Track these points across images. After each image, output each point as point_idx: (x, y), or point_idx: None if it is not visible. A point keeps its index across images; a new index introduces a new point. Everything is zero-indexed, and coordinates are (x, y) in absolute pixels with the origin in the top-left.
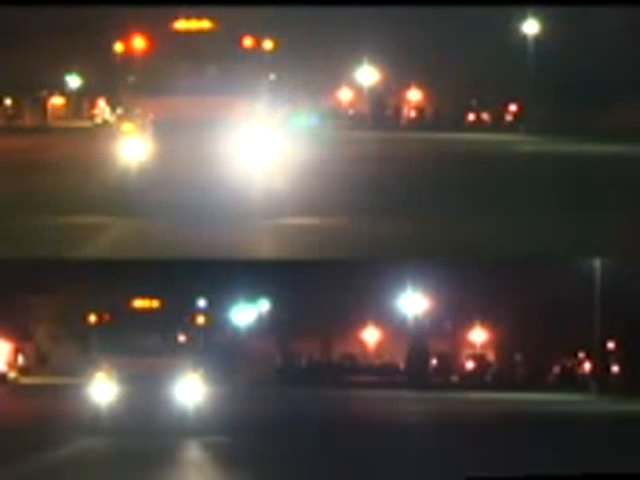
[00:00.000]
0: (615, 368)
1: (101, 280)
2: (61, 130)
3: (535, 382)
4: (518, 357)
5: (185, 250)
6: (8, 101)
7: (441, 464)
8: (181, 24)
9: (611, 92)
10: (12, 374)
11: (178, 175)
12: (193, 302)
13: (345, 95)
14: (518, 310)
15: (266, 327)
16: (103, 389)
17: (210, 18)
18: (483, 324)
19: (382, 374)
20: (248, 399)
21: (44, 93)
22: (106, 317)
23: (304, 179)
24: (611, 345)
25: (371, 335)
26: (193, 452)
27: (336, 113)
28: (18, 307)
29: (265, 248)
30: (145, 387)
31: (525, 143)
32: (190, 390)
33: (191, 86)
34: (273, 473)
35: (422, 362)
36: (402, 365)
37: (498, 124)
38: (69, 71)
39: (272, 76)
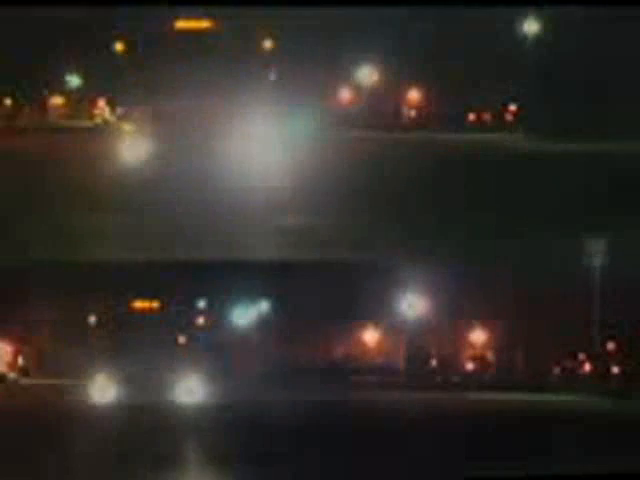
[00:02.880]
0: (615, 369)
1: (102, 281)
2: (61, 130)
3: (535, 382)
4: (518, 358)
5: (185, 251)
6: (8, 101)
7: (440, 464)
8: (181, 24)
9: (611, 92)
10: (12, 375)
11: (177, 175)
12: (193, 303)
13: (345, 95)
14: (518, 310)
15: (266, 327)
16: (103, 389)
17: (210, 18)
18: (483, 324)
19: (382, 374)
20: (248, 399)
21: (44, 93)
22: (106, 318)
23: (303, 181)
24: (611, 346)
25: (371, 335)
26: (193, 451)
27: (336, 113)
28: (18, 308)
29: (264, 248)
30: (145, 387)
31: (524, 143)
32: (190, 390)
33: (191, 86)
34: (273, 473)
35: (422, 362)
36: (402, 365)
37: (498, 124)
38: (69, 71)
39: (272, 76)
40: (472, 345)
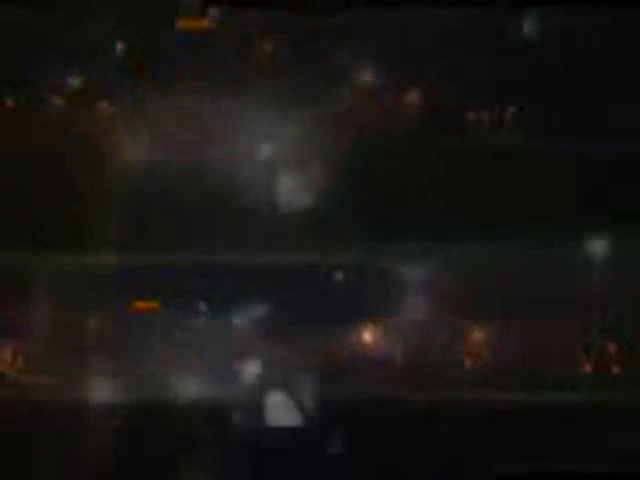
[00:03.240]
0: (615, 369)
1: (101, 281)
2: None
3: (535, 382)
4: (518, 357)
5: (185, 250)
6: (10, 102)
7: (439, 464)
8: (183, 23)
9: (611, 92)
10: (12, 374)
11: (176, 174)
12: (193, 304)
13: (344, 96)
14: (518, 309)
15: (266, 327)
16: (104, 389)
17: (212, 18)
18: (482, 324)
19: (382, 374)
20: (248, 400)
21: (44, 93)
22: (106, 318)
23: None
24: (611, 346)
25: (371, 335)
26: (192, 451)
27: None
28: (17, 307)
29: (264, 249)
30: (145, 387)
31: (524, 143)
32: (190, 391)
33: (194, 84)
34: (273, 473)
35: (421, 361)
36: (402, 364)
37: (498, 124)
38: (69, 71)
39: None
40: (470, 344)
